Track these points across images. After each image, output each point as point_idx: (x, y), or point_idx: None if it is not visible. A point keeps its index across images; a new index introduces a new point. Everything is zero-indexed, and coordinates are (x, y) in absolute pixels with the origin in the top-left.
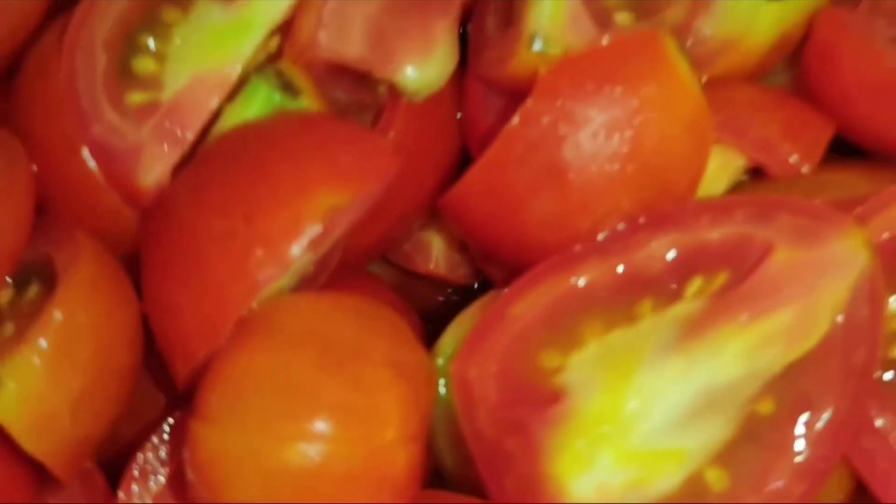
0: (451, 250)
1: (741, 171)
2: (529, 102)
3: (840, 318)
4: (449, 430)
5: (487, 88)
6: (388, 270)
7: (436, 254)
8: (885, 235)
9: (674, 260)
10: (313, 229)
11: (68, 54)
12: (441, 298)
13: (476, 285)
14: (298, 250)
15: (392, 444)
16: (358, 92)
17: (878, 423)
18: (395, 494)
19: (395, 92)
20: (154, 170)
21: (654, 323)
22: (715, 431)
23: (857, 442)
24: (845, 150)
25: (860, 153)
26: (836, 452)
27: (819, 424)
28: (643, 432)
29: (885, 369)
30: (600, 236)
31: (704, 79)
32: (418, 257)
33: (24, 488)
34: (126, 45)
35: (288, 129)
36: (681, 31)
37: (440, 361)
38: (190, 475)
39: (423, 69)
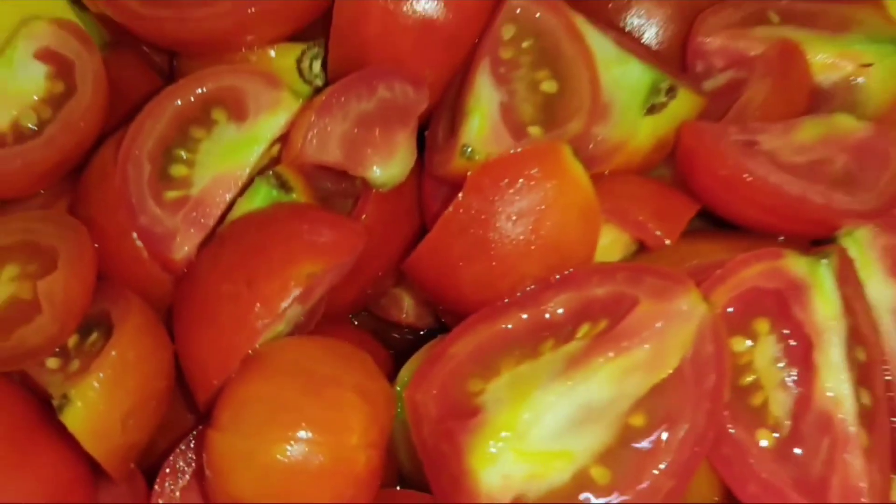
0: (418, 304)
1: (632, 245)
2: (460, 196)
3: (689, 354)
4: (406, 441)
5: (438, 181)
6: (370, 319)
7: (406, 307)
8: (735, 293)
9: (570, 310)
10: (296, 290)
11: (122, 163)
12: (408, 338)
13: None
14: (286, 305)
15: (355, 448)
16: (341, 183)
17: (733, 434)
18: (356, 486)
19: (366, 185)
20: (184, 247)
21: (551, 357)
22: (596, 438)
23: (718, 450)
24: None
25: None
26: (696, 457)
27: (680, 435)
28: (535, 437)
29: (739, 392)
30: (517, 294)
31: (607, 171)
32: (393, 309)
33: (86, 482)
34: (165, 156)
35: (281, 216)
36: (583, 138)
37: (399, 389)
38: (206, 471)
39: (386, 169)
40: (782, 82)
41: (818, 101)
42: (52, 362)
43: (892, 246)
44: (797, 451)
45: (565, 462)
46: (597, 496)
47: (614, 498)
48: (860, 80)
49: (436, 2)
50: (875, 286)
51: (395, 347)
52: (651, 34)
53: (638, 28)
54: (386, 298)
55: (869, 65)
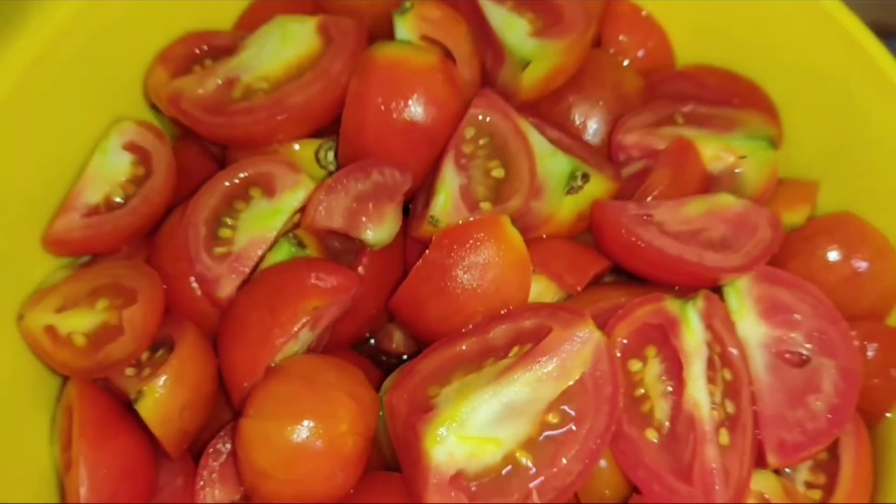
0: (406, 337)
1: (560, 292)
2: (427, 253)
3: (588, 369)
4: (387, 437)
5: (416, 242)
6: (368, 347)
7: (396, 339)
8: (632, 327)
9: (507, 337)
10: (304, 318)
11: (184, 227)
12: (393, 362)
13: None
14: (297, 329)
15: (344, 434)
16: (346, 243)
17: (628, 433)
18: (345, 464)
19: (363, 244)
20: (227, 289)
21: (490, 370)
22: (519, 430)
23: (617, 444)
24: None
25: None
26: (599, 448)
27: (584, 430)
28: (472, 426)
29: (633, 401)
30: (469, 326)
31: (544, 235)
32: (386, 341)
33: (151, 458)
34: (215, 222)
35: (297, 266)
36: (522, 211)
37: (382, 395)
38: (238, 450)
39: (377, 233)
40: (678, 170)
41: (710, 184)
42: (129, 371)
43: (763, 295)
44: (673, 445)
45: (496, 447)
46: (521, 474)
47: (535, 475)
48: (739, 169)
49: (420, 109)
50: (748, 325)
51: (385, 367)
52: (590, 132)
53: (579, 127)
54: (381, 332)
55: (744, 157)
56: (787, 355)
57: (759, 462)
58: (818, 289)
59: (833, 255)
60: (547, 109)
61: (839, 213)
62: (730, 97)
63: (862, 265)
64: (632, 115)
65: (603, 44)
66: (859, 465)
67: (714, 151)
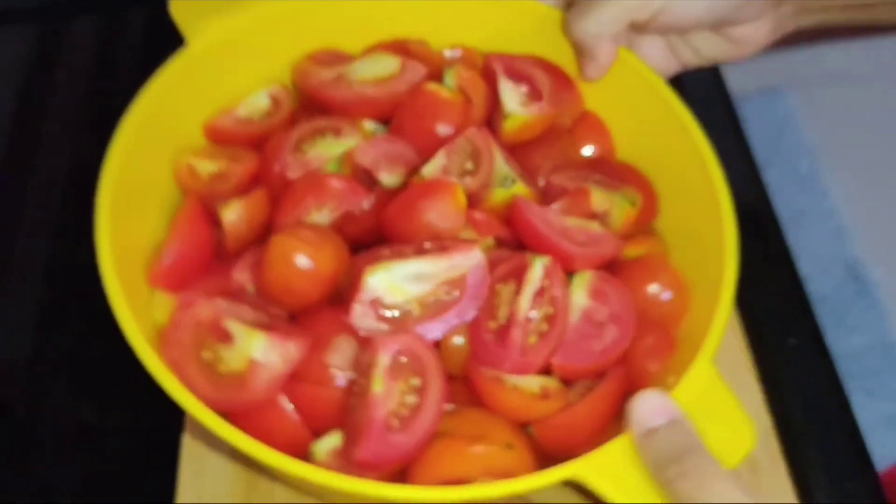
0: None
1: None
2: (407, 189)
3: (469, 272)
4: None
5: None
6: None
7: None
8: (506, 268)
9: (432, 247)
10: (327, 198)
11: (282, 138)
12: None
13: None
14: (322, 202)
15: (323, 259)
16: (371, 182)
17: (480, 321)
18: (318, 277)
19: (379, 183)
20: (295, 174)
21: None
22: (420, 290)
23: (474, 326)
24: None
25: None
26: (466, 314)
27: (458, 303)
28: (393, 276)
29: (491, 306)
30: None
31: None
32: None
33: (214, 248)
34: (300, 141)
35: (334, 175)
36: (474, 192)
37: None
38: (265, 247)
39: (388, 177)
40: (574, 200)
41: (593, 217)
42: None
43: (595, 285)
44: (503, 331)
45: (403, 294)
46: (412, 316)
47: (421, 319)
48: (612, 212)
49: (441, 124)
50: (579, 296)
51: None
52: (540, 174)
53: (535, 169)
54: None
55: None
56: (593, 319)
57: (551, 371)
58: (628, 290)
59: (649, 285)
60: (518, 156)
61: (657, 255)
62: (624, 177)
63: (666, 294)
64: (564, 169)
65: (572, 133)
66: (611, 384)
67: (598, 199)
